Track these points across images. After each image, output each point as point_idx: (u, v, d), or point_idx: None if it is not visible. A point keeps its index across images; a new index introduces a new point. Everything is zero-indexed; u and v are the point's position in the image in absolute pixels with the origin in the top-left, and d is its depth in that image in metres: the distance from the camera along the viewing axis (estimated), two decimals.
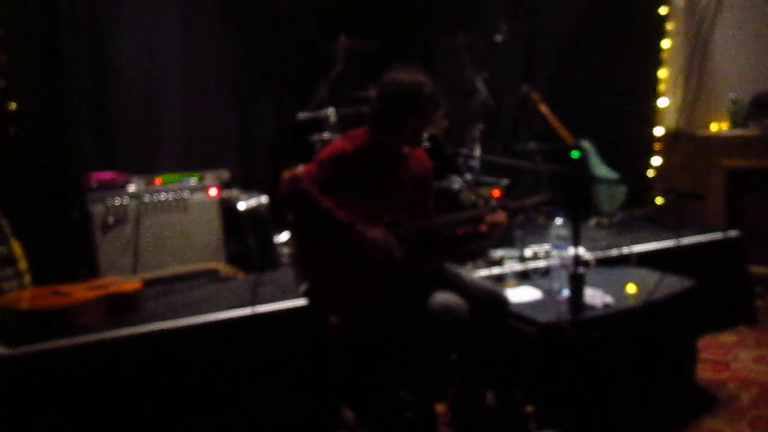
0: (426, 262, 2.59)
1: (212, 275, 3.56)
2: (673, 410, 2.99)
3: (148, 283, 3.29)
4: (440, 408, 2.82)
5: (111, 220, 3.48)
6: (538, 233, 4.12)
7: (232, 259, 3.72)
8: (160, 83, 4.30)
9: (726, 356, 3.60)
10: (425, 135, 2.60)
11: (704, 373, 3.37)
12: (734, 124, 4.87)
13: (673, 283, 3.03)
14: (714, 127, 5.04)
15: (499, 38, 4.59)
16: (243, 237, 3.72)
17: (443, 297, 2.42)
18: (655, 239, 3.99)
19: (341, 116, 4.13)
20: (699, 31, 5.18)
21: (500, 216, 2.57)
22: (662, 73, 5.38)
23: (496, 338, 2.60)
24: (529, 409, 2.74)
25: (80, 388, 2.62)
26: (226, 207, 3.79)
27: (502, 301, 2.59)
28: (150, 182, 3.69)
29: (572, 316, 2.52)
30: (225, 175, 3.92)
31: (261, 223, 3.79)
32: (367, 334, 2.54)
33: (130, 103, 4.17)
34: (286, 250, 3.92)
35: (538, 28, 5.45)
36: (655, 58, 5.39)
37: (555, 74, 5.46)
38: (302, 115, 4.14)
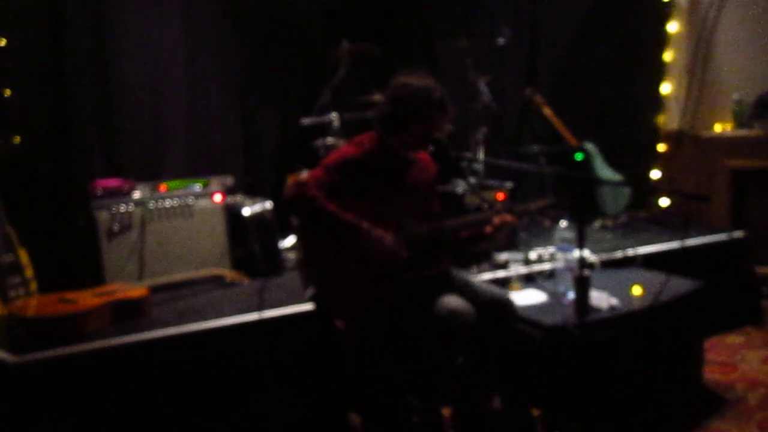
0: (432, 265, 2.58)
1: (218, 281, 3.57)
2: (680, 412, 2.98)
3: (154, 290, 3.29)
4: (447, 412, 2.81)
5: (116, 227, 3.49)
6: (543, 236, 4.12)
7: (238, 264, 3.72)
8: (165, 90, 4.31)
9: (733, 357, 3.59)
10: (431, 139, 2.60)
11: (711, 374, 3.35)
12: (738, 124, 4.85)
13: (678, 285, 3.02)
14: (718, 128, 5.03)
15: (501, 41, 4.61)
16: (248, 242, 3.73)
17: (450, 301, 2.42)
18: (660, 241, 3.99)
19: (344, 121, 4.13)
20: (702, 32, 5.17)
21: (507, 217, 2.56)
22: (666, 74, 5.37)
23: (502, 342, 2.60)
24: (536, 412, 2.74)
25: (87, 395, 2.63)
26: (231, 213, 3.79)
27: (510, 306, 2.59)
28: (155, 189, 3.70)
29: (578, 319, 2.52)
30: (229, 180, 3.94)
31: (266, 228, 3.79)
32: (374, 338, 2.54)
33: (134, 110, 4.18)
34: (291, 255, 3.92)
35: (541, 30, 5.45)
36: (658, 60, 5.38)
37: (558, 76, 5.46)
38: (306, 121, 4.15)
